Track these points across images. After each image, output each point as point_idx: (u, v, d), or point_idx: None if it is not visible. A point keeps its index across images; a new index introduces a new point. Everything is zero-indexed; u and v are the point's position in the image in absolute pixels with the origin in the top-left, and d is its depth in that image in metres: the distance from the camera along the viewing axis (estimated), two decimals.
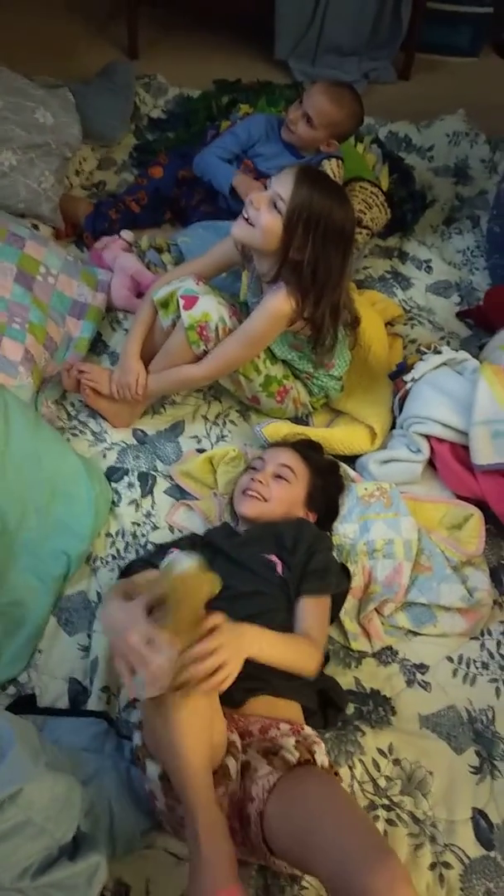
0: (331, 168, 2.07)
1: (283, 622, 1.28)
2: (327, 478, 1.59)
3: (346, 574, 1.45)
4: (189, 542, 1.44)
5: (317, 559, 1.36)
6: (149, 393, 1.71)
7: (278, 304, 1.56)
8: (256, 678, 1.17)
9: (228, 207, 2.13)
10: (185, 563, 1.05)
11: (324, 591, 1.35)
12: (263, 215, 1.51)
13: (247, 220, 1.54)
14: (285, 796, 1.03)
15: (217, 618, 1.05)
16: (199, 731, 1.01)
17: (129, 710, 1.32)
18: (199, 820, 0.98)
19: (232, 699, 1.15)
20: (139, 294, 2.01)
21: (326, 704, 1.30)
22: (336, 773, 1.15)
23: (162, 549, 1.44)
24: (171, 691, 0.97)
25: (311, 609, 1.31)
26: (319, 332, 1.60)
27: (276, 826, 1.02)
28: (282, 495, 1.48)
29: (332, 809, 0.99)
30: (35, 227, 2.03)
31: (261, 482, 1.48)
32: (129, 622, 1.01)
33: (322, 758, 1.12)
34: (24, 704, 1.29)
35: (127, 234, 2.13)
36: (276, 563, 1.35)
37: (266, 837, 1.03)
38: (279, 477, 1.49)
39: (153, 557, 1.41)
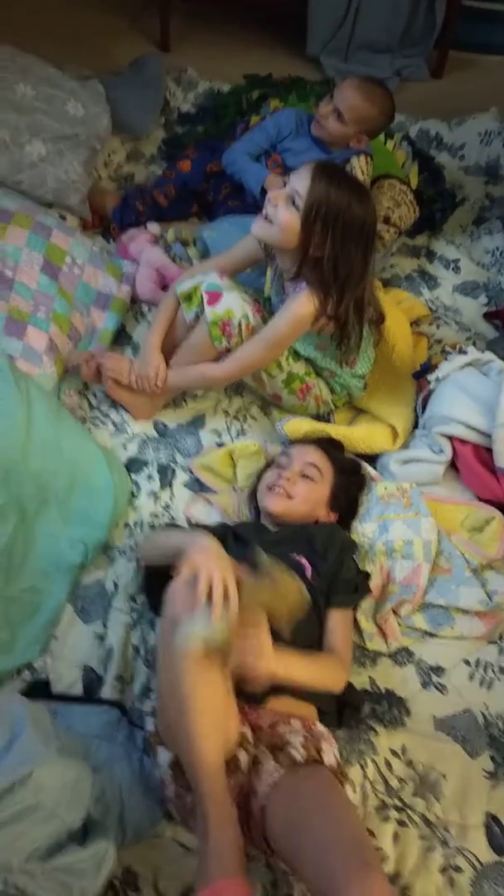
0: (359, 164, 2.05)
1: (307, 624, 1.28)
2: (350, 478, 1.58)
3: (366, 580, 1.45)
4: (221, 530, 1.43)
5: (347, 568, 1.37)
6: (168, 387, 1.70)
7: (301, 306, 1.55)
8: None
9: (255, 202, 2.13)
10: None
11: (354, 603, 1.38)
12: (281, 212, 1.50)
13: (266, 217, 1.53)
14: (285, 797, 1.03)
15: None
16: (214, 717, 1.01)
17: (142, 699, 1.32)
18: (209, 808, 0.98)
19: (253, 696, 1.16)
20: (164, 287, 2.01)
21: (342, 704, 1.30)
22: (343, 774, 1.14)
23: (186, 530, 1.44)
24: (209, 652, 1.01)
25: (340, 622, 1.33)
26: (344, 329, 1.59)
27: (274, 825, 1.02)
28: (307, 494, 1.47)
29: (324, 816, 0.99)
30: (62, 217, 2.04)
31: (288, 479, 1.47)
32: (217, 553, 1.10)
33: (330, 757, 1.12)
34: (38, 690, 1.30)
35: (153, 227, 2.13)
36: (306, 567, 1.35)
37: (266, 834, 1.03)
38: (305, 476, 1.49)
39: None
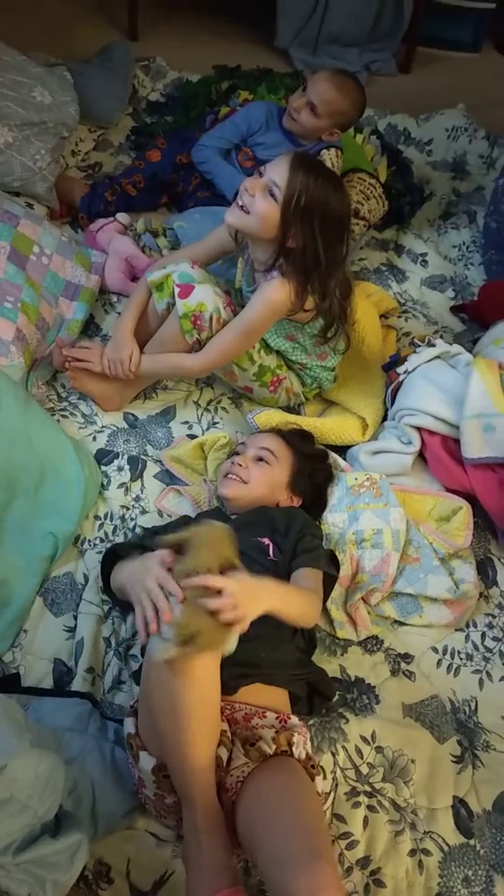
0: (330, 157, 2.06)
1: None
2: (314, 464, 1.59)
3: (334, 562, 1.46)
4: (181, 525, 1.43)
5: (306, 540, 1.37)
6: (141, 373, 1.68)
7: (274, 293, 1.55)
8: (249, 665, 1.17)
9: (227, 200, 2.12)
10: (212, 523, 1.08)
11: (314, 562, 1.34)
12: (258, 202, 1.50)
13: (241, 207, 1.53)
14: (250, 792, 1.02)
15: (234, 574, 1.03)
16: (208, 726, 1.00)
17: (113, 691, 1.31)
18: (199, 819, 0.98)
19: (224, 686, 1.15)
20: (133, 278, 1.99)
21: (313, 692, 1.30)
22: (314, 766, 1.13)
23: (151, 534, 1.43)
24: (184, 649, 0.95)
25: (306, 575, 1.31)
26: (327, 317, 1.61)
27: (239, 819, 1.02)
28: (261, 477, 1.48)
29: (281, 809, 0.98)
30: (30, 205, 2.01)
31: (240, 465, 1.48)
32: (144, 571, 1.04)
33: (300, 750, 1.11)
34: (8, 684, 1.28)
35: (122, 217, 2.11)
36: (269, 546, 1.35)
37: (236, 829, 1.03)
38: (260, 459, 1.50)
39: (143, 541, 1.40)
